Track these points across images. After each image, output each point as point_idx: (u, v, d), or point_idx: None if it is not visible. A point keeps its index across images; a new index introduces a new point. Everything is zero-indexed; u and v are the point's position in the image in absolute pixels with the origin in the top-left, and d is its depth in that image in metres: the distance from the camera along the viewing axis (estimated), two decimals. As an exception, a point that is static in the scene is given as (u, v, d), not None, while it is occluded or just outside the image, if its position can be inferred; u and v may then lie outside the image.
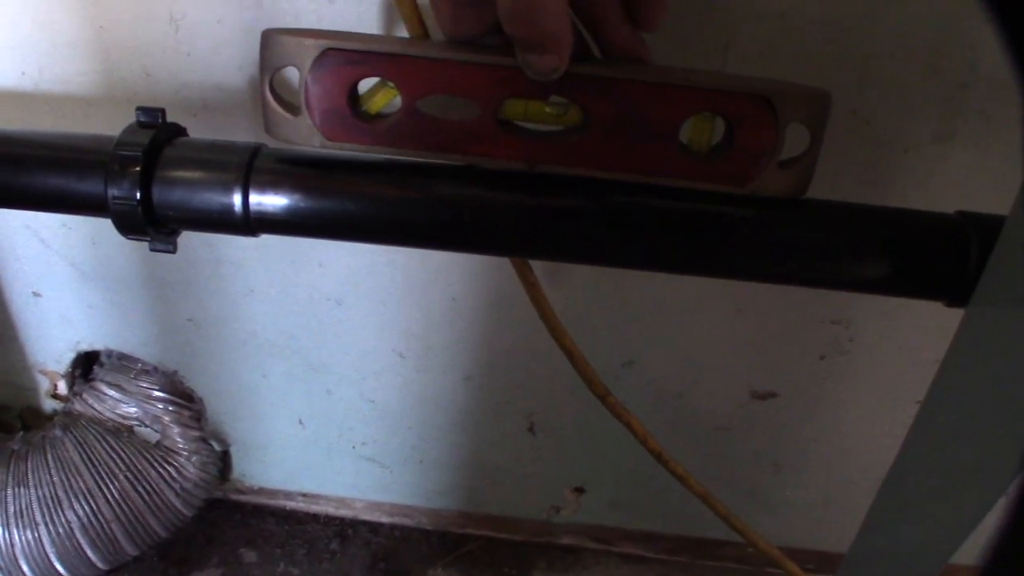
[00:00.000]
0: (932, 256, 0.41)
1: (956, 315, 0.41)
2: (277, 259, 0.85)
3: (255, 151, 0.44)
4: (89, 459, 0.96)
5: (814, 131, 0.40)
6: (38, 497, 0.93)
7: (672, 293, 0.81)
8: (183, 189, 0.43)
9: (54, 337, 0.99)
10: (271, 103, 0.41)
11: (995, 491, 0.38)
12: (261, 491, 1.14)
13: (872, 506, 0.47)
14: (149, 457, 0.99)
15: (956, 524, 0.41)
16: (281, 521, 1.12)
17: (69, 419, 1.00)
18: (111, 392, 0.99)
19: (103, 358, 1.01)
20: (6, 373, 1.05)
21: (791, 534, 1.03)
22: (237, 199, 0.43)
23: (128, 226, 0.44)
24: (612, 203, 0.42)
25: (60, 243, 0.89)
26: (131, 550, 0.99)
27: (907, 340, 0.81)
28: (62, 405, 1.05)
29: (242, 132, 0.74)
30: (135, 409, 1.00)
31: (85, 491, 0.94)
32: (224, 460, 1.09)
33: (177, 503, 1.01)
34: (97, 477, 0.95)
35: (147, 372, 1.00)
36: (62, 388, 1.05)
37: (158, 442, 1.01)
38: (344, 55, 0.39)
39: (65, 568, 0.94)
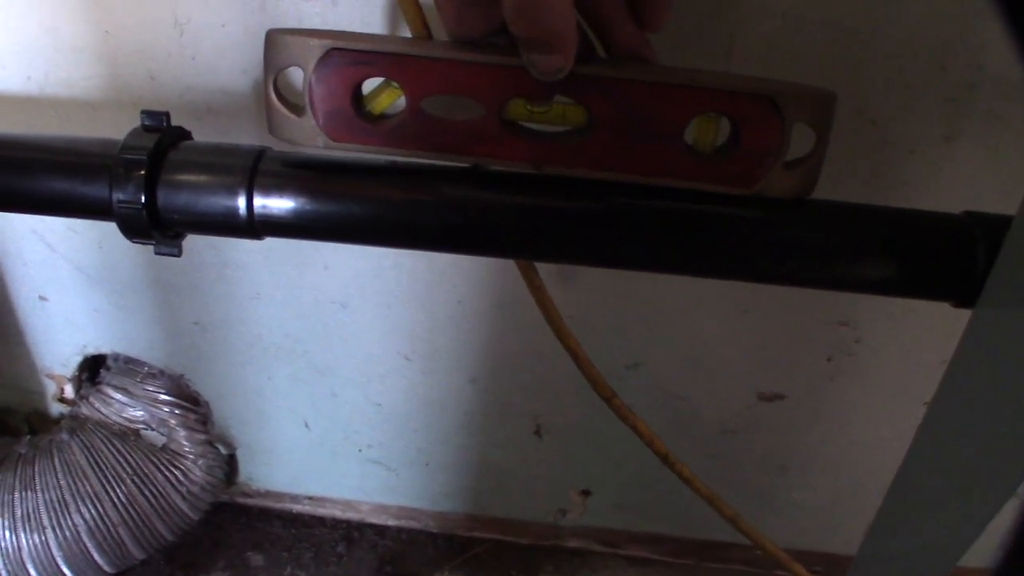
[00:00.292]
0: (939, 257, 0.41)
1: (963, 316, 0.40)
2: (282, 262, 0.85)
3: (259, 154, 0.43)
4: (96, 463, 0.96)
5: (820, 131, 0.40)
6: (45, 501, 0.93)
7: (677, 295, 0.81)
8: (188, 193, 0.43)
9: (61, 341, 1.00)
10: (275, 103, 0.41)
11: (1004, 493, 0.38)
12: (267, 494, 1.14)
13: (880, 508, 0.47)
14: (155, 461, 0.99)
15: (965, 526, 0.41)
16: (287, 524, 1.12)
17: (76, 423, 1.00)
18: (117, 396, 1.00)
19: (109, 362, 1.01)
20: (13, 377, 1.06)
21: (799, 536, 1.03)
22: (242, 202, 0.42)
23: (133, 230, 0.44)
24: (617, 204, 0.42)
25: (66, 247, 0.89)
26: (138, 554, 0.99)
27: (914, 341, 0.81)
28: (69, 409, 1.05)
29: (246, 135, 0.74)
30: (141, 413, 1.00)
31: (92, 495, 0.94)
32: (230, 463, 1.09)
33: (183, 507, 1.01)
34: (104, 481, 0.95)
35: (153, 376, 1.00)
36: (69, 392, 1.05)
37: (164, 445, 1.01)
38: (348, 55, 0.39)
39: (72, 572, 0.94)
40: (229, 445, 1.08)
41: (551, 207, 0.42)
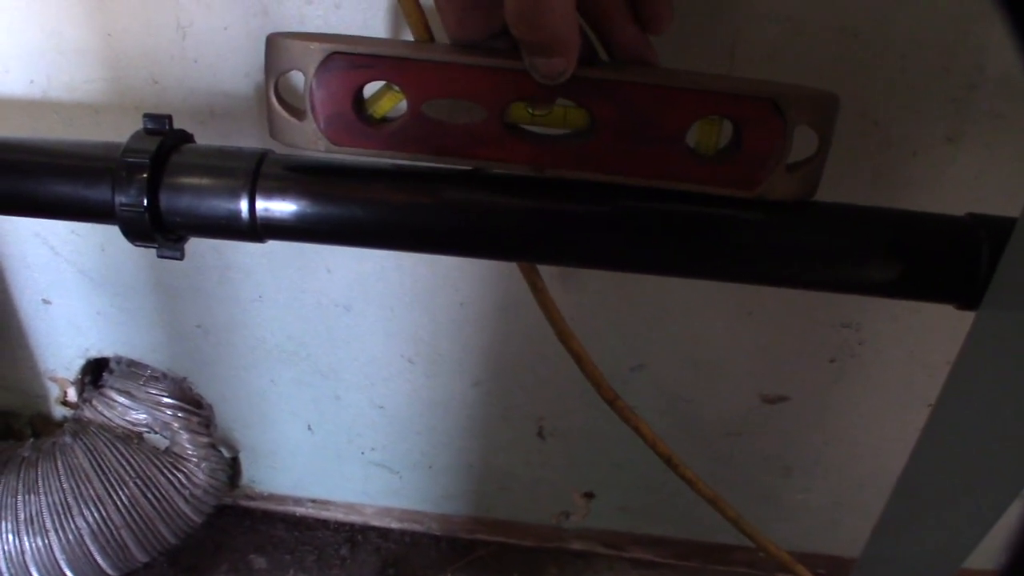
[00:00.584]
0: (942, 259, 0.41)
1: (967, 318, 0.40)
2: (285, 265, 0.85)
3: (262, 157, 0.43)
4: (99, 466, 0.96)
5: (822, 134, 0.40)
6: (48, 504, 0.93)
7: (680, 297, 0.81)
8: (190, 196, 0.43)
9: (64, 344, 1.00)
10: (276, 107, 0.41)
11: (1008, 494, 0.38)
12: (270, 497, 1.14)
13: (884, 510, 0.47)
14: (159, 464, 0.99)
15: (969, 528, 0.41)
16: (291, 527, 1.12)
17: (79, 426, 1.00)
18: (120, 399, 1.00)
19: (112, 365, 1.01)
20: (16, 380, 1.06)
21: (802, 538, 1.03)
22: (244, 205, 0.42)
23: (136, 233, 0.44)
24: (620, 207, 0.42)
25: (69, 250, 0.89)
26: (141, 557, 0.99)
27: (918, 343, 0.81)
28: (72, 412, 1.05)
29: (249, 138, 0.74)
30: (144, 415, 1.00)
31: (95, 498, 0.94)
32: (233, 466, 1.09)
33: (187, 509, 1.01)
34: (107, 484, 0.95)
35: (156, 378, 1.00)
36: (72, 395, 1.05)
37: (167, 448, 1.01)
38: (349, 59, 0.39)
39: (75, 575, 0.94)
40: (232, 448, 1.08)
41: (553, 209, 0.42)
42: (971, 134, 0.65)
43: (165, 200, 0.43)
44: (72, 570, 0.94)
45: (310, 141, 0.41)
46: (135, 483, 0.96)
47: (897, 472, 0.46)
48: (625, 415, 0.63)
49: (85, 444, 0.97)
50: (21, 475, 0.95)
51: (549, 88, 0.39)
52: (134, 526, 0.96)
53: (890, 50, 0.62)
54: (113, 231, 0.44)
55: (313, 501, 1.13)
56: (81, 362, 1.01)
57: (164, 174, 0.43)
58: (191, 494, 1.01)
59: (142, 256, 0.87)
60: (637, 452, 0.72)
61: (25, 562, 0.92)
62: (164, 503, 0.98)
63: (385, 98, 0.42)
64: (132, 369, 1.00)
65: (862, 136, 0.66)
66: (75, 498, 0.94)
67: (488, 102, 0.40)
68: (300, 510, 1.14)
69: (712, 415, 0.92)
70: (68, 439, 0.98)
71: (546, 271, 0.57)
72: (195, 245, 0.76)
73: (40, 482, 0.94)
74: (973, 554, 0.41)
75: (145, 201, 0.42)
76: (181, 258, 0.46)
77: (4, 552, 0.92)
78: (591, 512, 1.07)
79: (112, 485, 0.95)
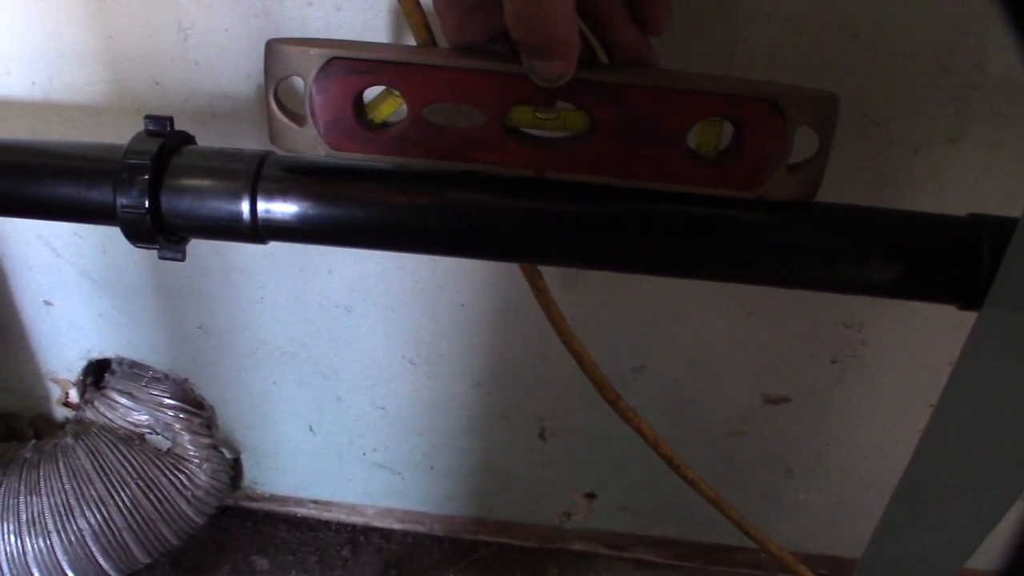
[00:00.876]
0: (944, 259, 0.41)
1: (969, 318, 0.40)
2: (286, 266, 0.85)
3: (263, 158, 0.43)
4: (101, 467, 0.96)
5: (823, 134, 0.40)
6: (50, 505, 0.93)
7: (682, 297, 0.81)
8: (191, 197, 0.43)
9: (65, 345, 1.00)
10: (276, 113, 0.41)
11: (1010, 495, 0.38)
12: (272, 498, 1.14)
13: (886, 510, 0.47)
14: (160, 465, 0.99)
15: (971, 528, 0.41)
16: (292, 528, 1.12)
17: (81, 427, 1.00)
18: (122, 400, 1.00)
19: (114, 366, 1.01)
20: (18, 382, 1.06)
21: (804, 539, 1.03)
22: (245, 207, 0.42)
23: (137, 234, 0.44)
24: (621, 207, 0.42)
25: (71, 252, 0.89)
26: (143, 558, 0.99)
27: (919, 343, 0.81)
28: (74, 413, 1.06)
29: (250, 140, 0.74)
30: (146, 417, 1.00)
31: (97, 499, 0.94)
32: (235, 467, 1.09)
33: (189, 511, 1.01)
34: (109, 485, 0.95)
35: (158, 380, 1.00)
36: (73, 396, 1.05)
37: (169, 450, 1.01)
38: (348, 64, 0.39)
39: (77, 576, 0.94)
40: (234, 449, 1.08)
41: (555, 210, 0.42)
42: (972, 134, 0.65)
43: (166, 201, 0.43)
44: (74, 571, 0.94)
45: (310, 147, 0.41)
46: (137, 484, 0.96)
47: (899, 472, 0.46)
48: (627, 415, 0.63)
49: (87, 445, 0.97)
50: (23, 476, 0.95)
51: (549, 91, 0.39)
52: (136, 527, 0.96)
53: (890, 50, 0.62)
54: (115, 233, 0.44)
55: (315, 502, 1.13)
56: (83, 363, 1.01)
57: (165, 176, 0.43)
58: (193, 495, 1.01)
59: (144, 258, 0.87)
60: (638, 453, 0.72)
61: (27, 563, 0.92)
62: (166, 504, 0.98)
63: (386, 103, 0.42)
64: (134, 370, 1.00)
65: (863, 136, 0.66)
66: (77, 499, 0.94)
67: (488, 106, 0.40)
68: (302, 511, 1.14)
69: (713, 415, 0.92)
70: (70, 440, 0.98)
71: (547, 272, 0.57)
72: (196, 247, 0.76)
73: (42, 483, 0.94)
74: (975, 555, 0.41)
75: (146, 202, 0.42)
76: (182, 259, 0.46)
77: (6, 553, 0.92)
78: (593, 513, 1.07)
79: (114, 486, 0.95)
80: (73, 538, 0.93)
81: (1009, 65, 0.61)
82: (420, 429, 1.00)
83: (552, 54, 0.36)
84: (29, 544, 0.92)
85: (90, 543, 0.94)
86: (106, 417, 1.00)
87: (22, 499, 0.93)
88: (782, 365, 0.86)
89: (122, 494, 0.95)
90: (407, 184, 0.43)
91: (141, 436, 1.01)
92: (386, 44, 0.63)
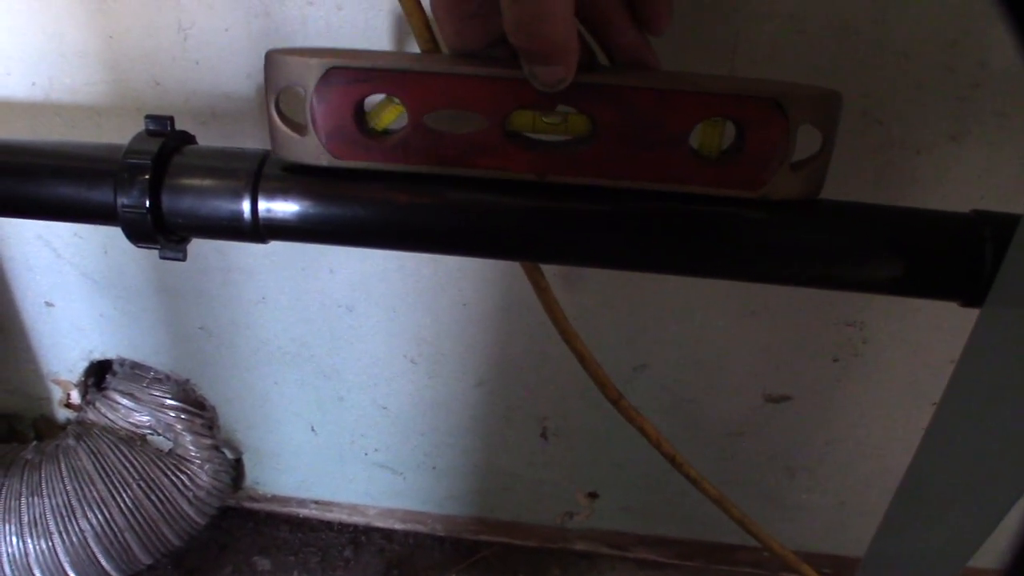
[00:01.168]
0: (946, 256, 0.41)
1: (971, 315, 0.40)
2: (288, 266, 0.85)
3: (264, 158, 0.43)
4: (102, 468, 0.96)
5: (826, 132, 0.40)
6: (52, 506, 0.93)
7: (683, 297, 0.81)
8: (192, 197, 0.43)
9: (67, 346, 1.00)
10: (278, 123, 0.41)
11: (1013, 493, 0.38)
12: (274, 499, 1.14)
13: (888, 509, 0.47)
14: (162, 466, 0.99)
15: (974, 527, 0.41)
16: (294, 529, 1.12)
17: (82, 428, 1.00)
18: (124, 401, 1.00)
19: (116, 367, 1.01)
20: (19, 383, 1.06)
21: (806, 538, 1.02)
22: (246, 206, 0.42)
23: (138, 234, 0.44)
24: (625, 205, 0.42)
25: (72, 253, 0.89)
26: (145, 559, 0.99)
27: (922, 341, 0.81)
28: (75, 414, 1.06)
29: (251, 139, 0.74)
30: (148, 418, 1.00)
31: (99, 500, 0.94)
32: (237, 468, 1.09)
33: (190, 511, 1.01)
34: (110, 486, 0.95)
35: (159, 380, 1.00)
36: (75, 397, 1.05)
37: (171, 450, 1.01)
38: (348, 73, 0.39)
39: (79, 577, 0.94)
40: (235, 449, 1.08)
41: (557, 208, 0.42)
42: (975, 132, 0.65)
43: (167, 201, 0.43)
44: (76, 572, 0.94)
45: (313, 156, 0.41)
46: (138, 485, 0.96)
47: (901, 471, 0.46)
48: (629, 415, 0.63)
49: (88, 446, 0.97)
50: (25, 478, 0.95)
51: (549, 95, 0.39)
52: (138, 528, 0.96)
53: (892, 48, 0.62)
54: (116, 233, 0.44)
55: (316, 502, 1.13)
56: (84, 364, 1.01)
57: (166, 175, 0.43)
58: (195, 496, 1.01)
59: (145, 258, 0.87)
60: (640, 452, 0.72)
61: (29, 564, 0.92)
62: (168, 505, 0.98)
63: (387, 111, 0.42)
64: (135, 371, 1.00)
65: (865, 135, 0.66)
66: (79, 500, 0.94)
67: (489, 111, 0.40)
68: (304, 511, 1.14)
69: (715, 415, 0.92)
70: (71, 441, 0.98)
71: (549, 271, 0.57)
72: (198, 246, 0.76)
73: (44, 484, 0.94)
74: (978, 553, 0.41)
75: (147, 202, 0.42)
76: (183, 259, 0.46)
77: (8, 555, 0.92)
78: (595, 512, 1.07)
79: (116, 487, 0.95)
80: (75, 539, 0.93)
81: (1012, 64, 0.61)
82: (422, 429, 1.00)
83: (552, 60, 0.36)
84: (31, 545, 0.92)
85: (92, 544, 0.94)
86: (108, 418, 1.00)
87: (24, 500, 0.93)
88: (784, 364, 0.86)
89: (124, 495, 0.95)
90: (408, 183, 0.43)
91: (143, 437, 1.01)
92: (386, 52, 0.63)
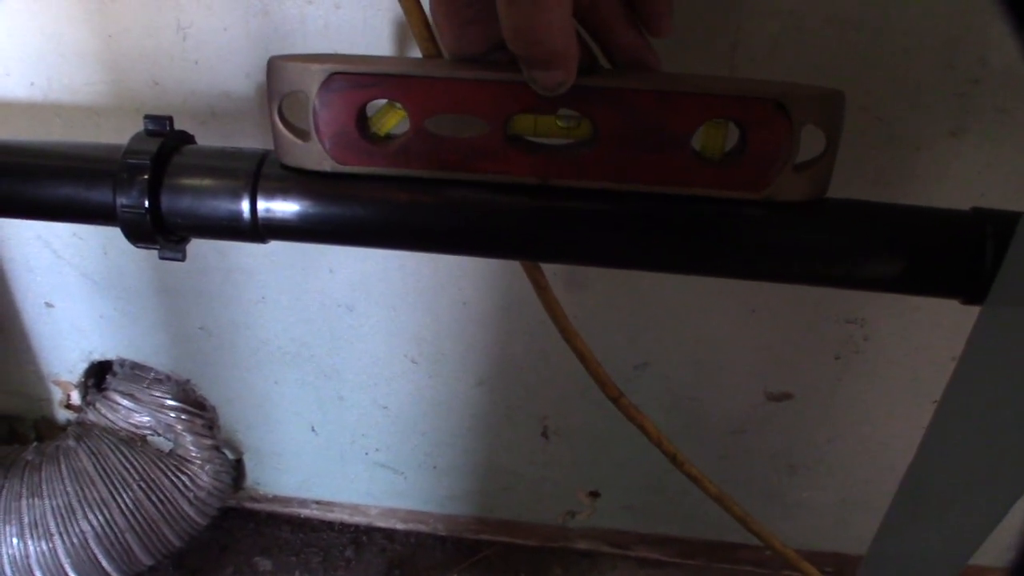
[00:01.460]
0: (947, 253, 0.41)
1: (972, 313, 0.40)
2: (288, 266, 0.85)
3: (263, 157, 0.43)
4: (103, 469, 0.96)
5: (829, 132, 0.40)
6: (52, 507, 0.93)
7: (685, 295, 0.81)
8: (191, 196, 0.43)
9: (67, 347, 1.00)
10: (281, 130, 0.41)
11: (1015, 490, 0.38)
12: (275, 499, 1.14)
13: (890, 507, 0.47)
14: (163, 466, 0.99)
15: (976, 524, 0.41)
16: (295, 529, 1.12)
17: (82, 429, 1.00)
18: (124, 402, 1.00)
19: (116, 368, 1.01)
20: (20, 384, 1.06)
21: (808, 536, 1.02)
22: (245, 206, 0.42)
23: (137, 234, 0.44)
24: (627, 205, 0.42)
25: (72, 253, 0.89)
26: (146, 560, 0.99)
27: (923, 338, 0.80)
28: (75, 415, 1.06)
29: (250, 139, 0.74)
30: (148, 418, 1.00)
31: (99, 501, 0.94)
32: (237, 468, 1.09)
33: (191, 512, 1.01)
34: (111, 487, 0.95)
35: (160, 381, 1.00)
36: (75, 398, 1.05)
37: (171, 451, 1.01)
38: (350, 79, 0.39)
39: (80, 578, 0.94)
40: (236, 450, 1.08)
41: (559, 207, 0.42)
42: (975, 129, 0.65)
43: (166, 201, 0.43)
44: (77, 573, 0.94)
45: (316, 161, 0.41)
46: (139, 486, 0.96)
47: (902, 468, 0.46)
48: (630, 413, 0.63)
49: (89, 447, 0.97)
50: (25, 479, 0.95)
51: (550, 99, 0.39)
52: (138, 529, 0.96)
53: (893, 45, 0.62)
54: (115, 234, 0.44)
55: (318, 502, 1.13)
56: (84, 365, 1.01)
57: (165, 175, 0.43)
58: (195, 496, 1.01)
59: (144, 258, 0.87)
60: (642, 450, 0.72)
61: (30, 566, 0.92)
62: (168, 506, 0.98)
63: (389, 115, 0.42)
64: (135, 372, 1.00)
65: (866, 132, 0.66)
66: (79, 501, 0.94)
67: (490, 115, 0.40)
68: (305, 511, 1.14)
69: (716, 413, 0.92)
70: (72, 442, 0.98)
71: (549, 270, 0.57)
72: (197, 247, 0.76)
73: (44, 486, 0.94)
74: (980, 551, 0.41)
75: (146, 202, 0.42)
76: (183, 259, 0.46)
77: (9, 556, 0.92)
78: (596, 511, 1.07)
79: (116, 488, 0.95)
80: (76, 540, 0.93)
81: (1012, 60, 0.61)
82: (423, 428, 1.00)
83: (551, 65, 0.36)
84: (31, 546, 0.92)
85: (92, 545, 0.94)
86: (108, 419, 1.00)
87: (24, 501, 0.93)
88: (785, 362, 0.86)
89: (124, 496, 0.95)
90: (408, 182, 0.43)
91: (143, 438, 1.01)
92: (387, 57, 0.63)
